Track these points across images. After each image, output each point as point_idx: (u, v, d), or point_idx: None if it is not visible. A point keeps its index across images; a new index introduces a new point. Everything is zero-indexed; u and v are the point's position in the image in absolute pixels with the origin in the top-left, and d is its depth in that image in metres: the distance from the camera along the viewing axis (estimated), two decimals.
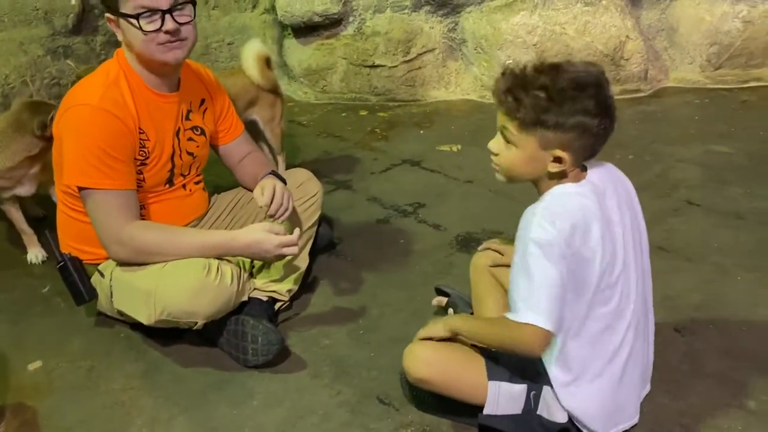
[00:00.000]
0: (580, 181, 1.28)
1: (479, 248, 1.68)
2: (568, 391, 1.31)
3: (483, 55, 3.61)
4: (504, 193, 2.51)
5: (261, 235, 1.63)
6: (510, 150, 1.28)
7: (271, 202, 1.75)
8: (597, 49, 3.40)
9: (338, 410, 1.52)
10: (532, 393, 1.35)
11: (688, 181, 2.53)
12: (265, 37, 4.05)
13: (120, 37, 1.64)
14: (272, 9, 3.90)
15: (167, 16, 1.57)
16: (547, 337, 1.20)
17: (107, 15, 1.63)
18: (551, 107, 1.21)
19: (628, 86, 3.52)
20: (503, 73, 1.28)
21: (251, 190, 1.87)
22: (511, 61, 3.49)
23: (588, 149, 1.26)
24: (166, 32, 1.58)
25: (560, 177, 1.28)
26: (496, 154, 1.32)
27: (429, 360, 1.38)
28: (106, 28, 3.72)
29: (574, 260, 1.21)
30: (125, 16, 1.57)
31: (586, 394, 1.31)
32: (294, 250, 1.65)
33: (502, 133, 1.29)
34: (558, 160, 1.25)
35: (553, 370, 1.31)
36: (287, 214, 1.78)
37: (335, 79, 3.79)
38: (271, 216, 1.76)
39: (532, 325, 1.19)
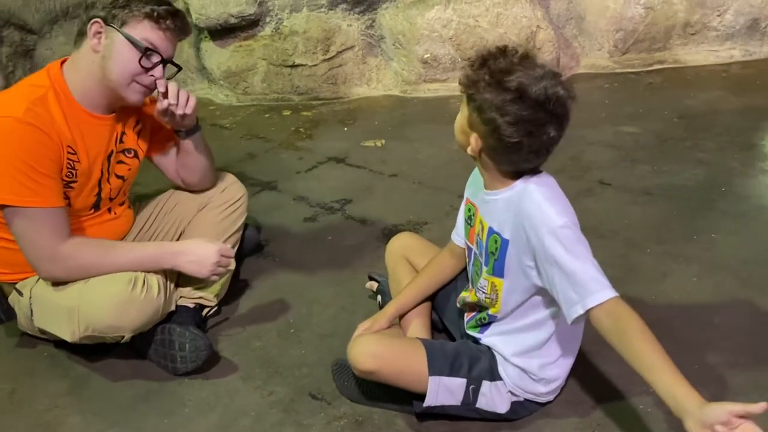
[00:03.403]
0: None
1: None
2: (551, 366, 1.39)
3: (401, 50, 3.66)
4: (428, 184, 2.57)
5: (199, 240, 1.67)
6: (461, 112, 1.31)
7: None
8: (510, 40, 3.50)
9: (271, 410, 1.53)
10: (471, 387, 1.39)
11: (600, 162, 2.66)
12: (182, 41, 3.97)
13: (92, 48, 1.56)
14: (187, 12, 3.83)
15: (162, 67, 1.59)
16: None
17: (97, 21, 1.55)
18: (482, 89, 1.21)
19: None
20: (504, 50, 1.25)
21: (192, 190, 1.90)
22: (428, 55, 3.56)
23: (503, 156, 1.26)
24: (152, 80, 1.60)
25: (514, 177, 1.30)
26: None
27: (375, 352, 1.39)
28: (12, 38, 3.58)
29: None
30: (128, 38, 1.54)
31: (564, 367, 1.42)
32: (229, 262, 1.68)
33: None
34: (476, 143, 1.26)
35: (544, 350, 1.38)
36: (191, 104, 1.71)
37: (256, 80, 3.76)
38: (172, 115, 1.70)
39: (613, 298, 1.18)
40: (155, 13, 1.57)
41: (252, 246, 2.15)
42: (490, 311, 1.41)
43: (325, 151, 3.04)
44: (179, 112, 1.69)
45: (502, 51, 1.23)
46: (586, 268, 1.20)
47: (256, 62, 3.73)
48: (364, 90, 3.78)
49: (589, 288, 1.19)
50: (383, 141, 3.11)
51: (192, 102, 1.71)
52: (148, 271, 1.61)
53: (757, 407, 1.00)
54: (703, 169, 2.52)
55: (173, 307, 1.73)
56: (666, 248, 2.02)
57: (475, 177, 1.43)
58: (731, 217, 2.18)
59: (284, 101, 3.75)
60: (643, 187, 2.41)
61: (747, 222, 2.15)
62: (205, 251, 1.64)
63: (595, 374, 1.54)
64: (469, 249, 1.49)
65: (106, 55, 1.56)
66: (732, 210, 2.22)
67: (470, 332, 1.50)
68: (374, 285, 1.85)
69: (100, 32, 1.56)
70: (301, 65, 3.68)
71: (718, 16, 3.67)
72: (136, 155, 1.79)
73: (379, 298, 1.81)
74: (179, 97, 1.68)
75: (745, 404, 1.01)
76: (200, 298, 1.82)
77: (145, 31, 1.57)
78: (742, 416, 1.00)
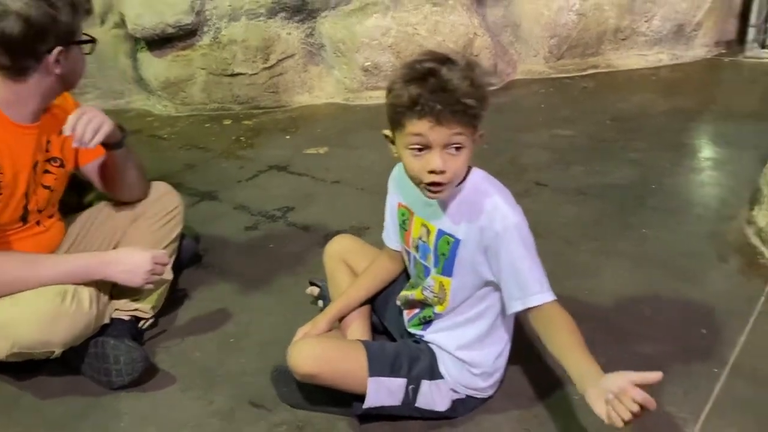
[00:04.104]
0: None
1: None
2: (492, 357, 1.42)
3: (342, 58, 3.67)
4: (371, 190, 2.58)
5: (130, 248, 1.64)
6: (461, 154, 1.23)
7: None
8: (448, 48, 3.56)
9: (211, 420, 1.50)
10: (411, 387, 1.40)
11: (536, 164, 2.72)
12: (117, 51, 3.89)
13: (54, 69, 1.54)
14: (122, 23, 3.76)
15: None
16: None
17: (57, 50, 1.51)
18: (483, 92, 1.22)
19: None
20: (420, 90, 1.17)
21: (122, 201, 1.85)
22: (369, 63, 3.58)
23: None
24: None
25: None
26: (443, 171, 1.22)
27: (314, 355, 1.39)
28: None
29: None
30: (80, 42, 1.57)
31: (503, 358, 1.45)
32: (164, 269, 1.65)
33: (445, 146, 1.21)
34: (481, 135, 1.26)
35: (486, 341, 1.41)
36: (97, 139, 1.58)
37: (195, 90, 3.72)
38: (76, 144, 1.58)
39: (551, 302, 1.26)
40: None
41: (190, 256, 2.12)
42: (436, 309, 1.43)
43: (267, 159, 3.02)
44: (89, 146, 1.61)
45: (435, 73, 1.19)
46: (533, 268, 1.27)
47: (194, 72, 3.69)
48: (306, 98, 3.78)
49: (532, 289, 1.26)
50: (326, 148, 3.11)
51: (99, 137, 1.60)
52: (79, 284, 1.56)
53: (653, 376, 1.05)
54: (635, 168, 2.61)
55: (107, 320, 1.69)
56: (599, 245, 2.09)
57: (403, 181, 1.41)
58: (661, 213, 2.26)
59: (225, 111, 3.71)
60: (577, 187, 2.48)
61: (676, 217, 2.23)
62: (137, 259, 1.60)
63: (533, 368, 1.57)
64: (407, 252, 1.50)
65: (66, 64, 1.56)
66: (662, 206, 2.31)
67: (412, 330, 1.51)
68: (315, 290, 1.85)
69: (60, 54, 1.55)
70: (241, 74, 3.65)
71: (646, 21, 3.82)
72: (62, 164, 1.74)
73: (320, 302, 1.81)
74: (85, 136, 1.57)
75: (643, 373, 1.06)
76: (136, 310, 1.77)
77: None
78: (638, 385, 1.04)
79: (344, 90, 3.74)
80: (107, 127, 1.59)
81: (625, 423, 1.03)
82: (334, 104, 3.72)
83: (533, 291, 1.26)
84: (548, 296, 1.26)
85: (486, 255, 1.31)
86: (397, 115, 1.23)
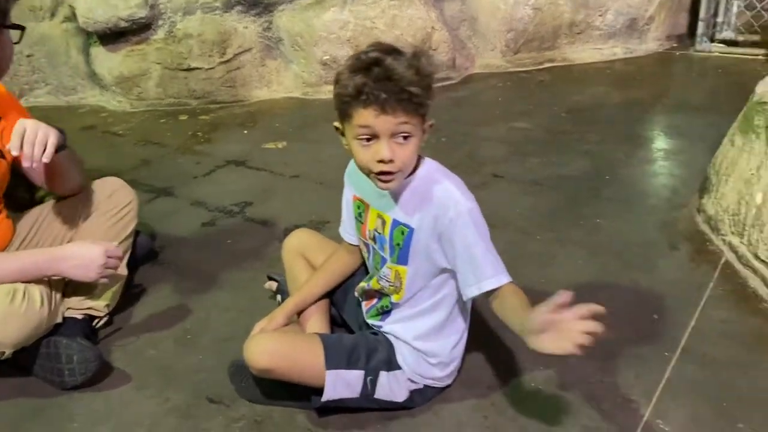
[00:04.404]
0: None
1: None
2: (450, 347, 1.43)
3: (301, 52, 3.65)
4: (330, 184, 2.57)
5: (82, 242, 1.60)
6: (409, 143, 1.24)
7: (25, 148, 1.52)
8: (407, 42, 3.56)
9: (167, 418, 1.48)
10: (369, 378, 1.40)
11: (494, 156, 2.75)
12: (69, 46, 3.80)
13: None
14: (74, 16, 3.67)
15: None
16: None
17: None
18: (429, 80, 1.22)
19: (439, 75, 3.72)
20: (365, 79, 1.18)
21: (62, 195, 1.79)
22: (328, 57, 3.57)
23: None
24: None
25: None
26: (392, 160, 1.23)
27: (271, 350, 1.38)
28: None
29: None
30: (9, 27, 1.56)
31: (460, 348, 1.46)
32: (117, 263, 1.61)
33: (393, 135, 1.22)
34: (431, 125, 1.28)
35: (443, 331, 1.42)
36: (48, 153, 1.52)
37: (150, 85, 3.65)
38: (28, 163, 1.53)
39: (506, 284, 1.28)
40: None
41: (145, 253, 2.08)
42: (393, 298, 1.43)
43: (225, 154, 2.99)
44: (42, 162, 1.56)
45: (377, 63, 1.19)
46: (487, 253, 1.28)
47: (149, 67, 3.62)
48: (265, 92, 3.75)
49: (486, 273, 1.27)
50: (285, 143, 3.09)
51: (49, 151, 1.54)
52: (30, 281, 1.52)
53: (562, 297, 1.08)
54: (589, 159, 2.66)
55: (60, 319, 1.64)
56: (554, 235, 2.12)
57: (357, 174, 1.40)
58: (615, 203, 2.31)
59: (181, 106, 3.66)
60: (533, 179, 2.51)
61: (629, 207, 2.28)
62: (90, 253, 1.57)
63: (490, 357, 1.59)
64: (366, 244, 1.50)
65: None
66: (615, 197, 2.36)
67: (371, 321, 1.51)
68: (273, 285, 1.83)
69: None
70: (197, 68, 3.60)
71: (600, 16, 3.89)
72: (2, 156, 1.69)
73: (278, 297, 1.79)
74: (35, 155, 1.53)
75: (550, 300, 1.09)
76: (89, 308, 1.74)
77: None
78: (559, 311, 1.07)
79: (303, 84, 3.72)
80: (53, 138, 1.54)
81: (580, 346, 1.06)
82: (292, 98, 3.70)
83: (488, 275, 1.27)
84: (503, 278, 1.27)
85: (440, 242, 1.32)
86: (343, 105, 1.23)
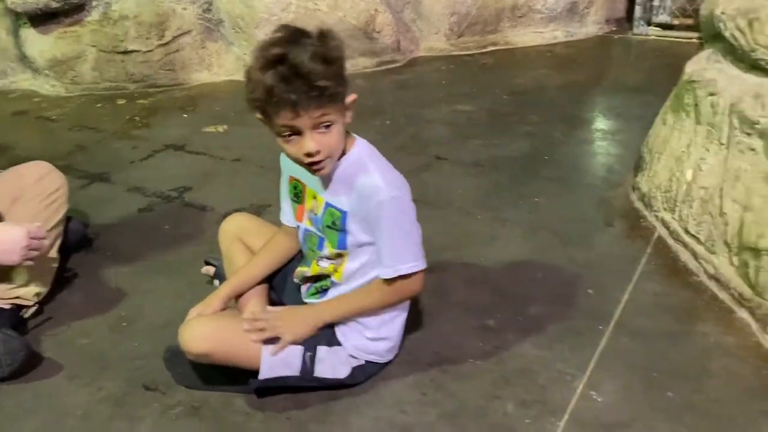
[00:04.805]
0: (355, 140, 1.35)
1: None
2: (388, 322, 1.44)
3: (242, 34, 3.58)
4: (272, 167, 2.50)
5: (3, 224, 1.56)
6: (332, 130, 1.24)
7: None
8: (350, 24, 3.54)
9: (100, 406, 1.44)
10: (308, 355, 1.39)
11: (437, 138, 2.76)
12: None
13: None
14: None
15: None
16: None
17: None
18: (338, 67, 1.22)
19: (384, 58, 3.72)
20: (272, 81, 1.16)
21: None
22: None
23: None
24: None
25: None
26: (318, 151, 1.24)
27: (206, 335, 1.36)
28: None
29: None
30: None
31: (398, 322, 1.47)
32: (43, 243, 1.57)
33: (315, 127, 1.22)
34: (349, 106, 1.27)
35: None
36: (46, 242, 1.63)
37: (86, 68, 3.53)
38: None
39: (420, 271, 1.34)
40: None
41: (78, 239, 2.01)
42: (334, 278, 1.43)
43: (163, 139, 2.91)
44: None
45: (284, 60, 1.17)
46: (408, 239, 1.34)
47: (84, 49, 3.50)
48: (205, 76, 3.67)
49: (405, 258, 1.34)
50: (225, 126, 3.03)
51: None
52: None
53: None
54: (529, 140, 2.70)
55: None
56: (495, 214, 2.14)
57: None
58: (553, 182, 2.35)
59: (118, 90, 3.55)
60: (474, 160, 2.53)
61: (566, 186, 2.32)
62: (11, 235, 1.51)
63: (429, 335, 1.60)
64: (300, 226, 1.48)
65: None
66: (554, 176, 2.40)
67: (309, 300, 1.50)
68: (211, 270, 1.80)
69: None
70: (135, 51, 3.50)
71: None
72: None
73: (216, 282, 1.76)
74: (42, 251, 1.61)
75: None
76: (17, 298, 1.68)
77: None
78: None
79: (244, 67, 3.55)
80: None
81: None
82: (233, 81, 3.62)
83: (406, 260, 1.33)
84: (420, 265, 1.34)
85: (369, 224, 1.33)
86: (257, 107, 1.23)
